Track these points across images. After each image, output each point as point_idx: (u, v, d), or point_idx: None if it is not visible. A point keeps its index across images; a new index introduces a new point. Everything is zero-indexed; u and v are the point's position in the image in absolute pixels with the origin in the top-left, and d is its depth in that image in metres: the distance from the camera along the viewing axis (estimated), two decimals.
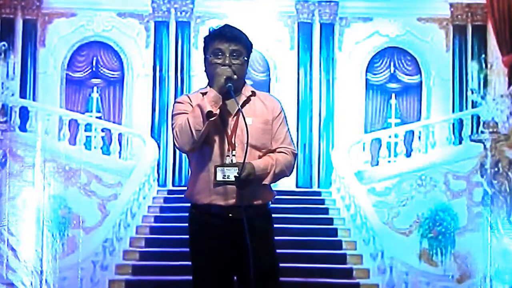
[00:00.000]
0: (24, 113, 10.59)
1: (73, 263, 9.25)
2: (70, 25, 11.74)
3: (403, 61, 12.11)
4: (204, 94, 3.46)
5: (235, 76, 3.41)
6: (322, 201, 10.92)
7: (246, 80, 3.63)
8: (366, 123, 12.04)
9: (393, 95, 12.17)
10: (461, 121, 11.10)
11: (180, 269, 9.26)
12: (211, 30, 3.53)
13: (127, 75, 11.95)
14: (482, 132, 9.34)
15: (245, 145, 3.32)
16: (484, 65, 10.19)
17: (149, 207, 10.67)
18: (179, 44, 11.92)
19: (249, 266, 3.35)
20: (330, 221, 10.43)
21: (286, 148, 3.55)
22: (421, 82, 12.06)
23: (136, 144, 11.21)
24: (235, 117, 3.47)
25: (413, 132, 11.24)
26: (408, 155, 11.04)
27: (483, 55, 11.08)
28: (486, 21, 11.56)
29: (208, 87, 3.49)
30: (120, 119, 11.84)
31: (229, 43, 3.43)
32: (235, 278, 3.59)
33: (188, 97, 3.59)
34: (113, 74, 11.99)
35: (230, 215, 3.45)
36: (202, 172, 3.48)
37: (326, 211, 10.66)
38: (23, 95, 11.27)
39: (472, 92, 9.89)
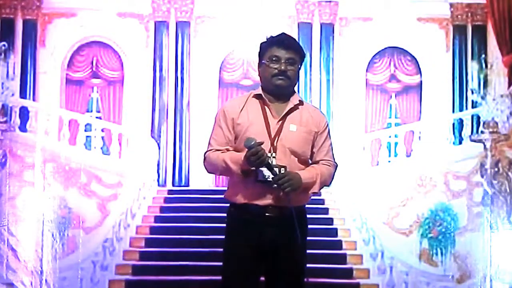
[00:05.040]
0: (24, 113, 10.59)
1: (73, 263, 9.25)
2: (70, 25, 11.75)
3: (403, 61, 12.10)
4: (257, 96, 3.66)
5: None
6: (322, 201, 10.91)
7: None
8: (366, 123, 12.05)
9: (393, 95, 12.18)
10: (461, 121, 11.10)
11: (180, 269, 9.28)
12: (268, 37, 3.70)
13: (127, 75, 11.95)
14: (482, 132, 9.34)
15: (287, 149, 3.56)
16: (484, 65, 10.19)
17: (149, 207, 10.66)
18: (179, 44, 11.92)
19: (288, 261, 3.58)
20: (330, 221, 10.42)
21: (328, 161, 3.72)
22: (421, 82, 12.07)
23: (136, 144, 11.20)
24: (281, 121, 3.64)
25: (413, 132, 11.23)
26: (408, 155, 11.04)
27: (483, 55, 11.08)
28: (486, 21, 11.56)
29: (260, 88, 3.69)
30: (120, 119, 11.84)
31: (286, 50, 3.62)
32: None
33: (238, 105, 3.71)
34: (113, 74, 11.99)
35: (267, 214, 3.61)
36: None
37: (326, 211, 10.65)
38: (23, 95, 11.27)
39: (472, 92, 9.88)
